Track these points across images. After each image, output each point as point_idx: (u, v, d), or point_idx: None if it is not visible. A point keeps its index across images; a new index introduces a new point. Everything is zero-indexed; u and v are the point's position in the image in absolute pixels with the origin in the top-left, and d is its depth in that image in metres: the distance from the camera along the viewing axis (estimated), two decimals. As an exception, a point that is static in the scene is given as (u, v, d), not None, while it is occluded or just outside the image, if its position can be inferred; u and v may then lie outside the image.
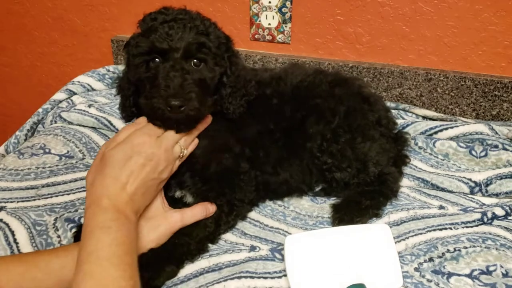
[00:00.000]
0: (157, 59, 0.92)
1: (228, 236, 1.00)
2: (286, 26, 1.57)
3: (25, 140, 1.41)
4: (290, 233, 1.01)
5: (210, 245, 0.96)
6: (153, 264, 0.87)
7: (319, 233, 0.92)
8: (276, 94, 1.11)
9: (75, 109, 1.44)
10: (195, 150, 0.99)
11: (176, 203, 1.06)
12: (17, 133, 1.42)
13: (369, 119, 1.12)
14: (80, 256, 0.73)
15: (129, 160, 0.85)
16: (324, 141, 1.07)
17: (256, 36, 1.61)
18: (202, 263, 0.92)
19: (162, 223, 0.91)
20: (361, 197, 1.06)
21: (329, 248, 0.89)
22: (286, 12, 1.54)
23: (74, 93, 1.54)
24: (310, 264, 0.87)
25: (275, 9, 1.55)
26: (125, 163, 0.85)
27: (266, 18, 1.57)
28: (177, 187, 1.02)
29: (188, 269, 0.91)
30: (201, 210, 0.96)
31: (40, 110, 1.48)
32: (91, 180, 0.85)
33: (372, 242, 0.89)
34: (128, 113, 1.02)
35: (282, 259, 0.92)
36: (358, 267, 0.86)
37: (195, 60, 0.92)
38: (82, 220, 1.01)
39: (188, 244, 0.91)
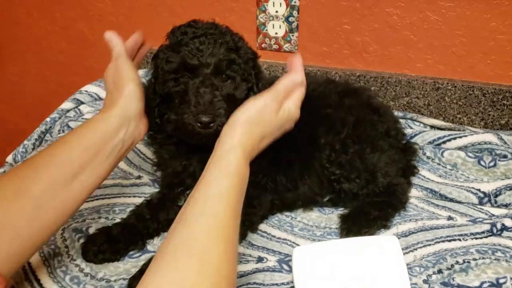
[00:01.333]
0: (187, 74, 0.93)
1: (236, 247, 1.00)
2: (293, 35, 1.57)
3: (33, 149, 1.41)
4: (297, 244, 1.01)
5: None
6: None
7: (327, 245, 0.92)
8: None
9: (82, 118, 1.44)
10: None
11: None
12: (25, 142, 1.43)
13: (378, 130, 1.12)
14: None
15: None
16: (333, 151, 1.07)
17: (263, 45, 1.61)
18: (209, 274, 0.91)
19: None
20: (369, 208, 1.05)
21: (337, 259, 0.88)
22: (293, 22, 1.54)
23: (82, 103, 1.55)
24: (318, 276, 0.86)
25: (282, 19, 1.55)
26: None
27: (273, 27, 1.57)
28: None
29: (195, 280, 0.90)
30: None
31: (48, 119, 1.48)
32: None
33: (380, 254, 0.89)
34: (152, 124, 1.02)
35: (290, 271, 0.92)
36: (366, 279, 0.86)
37: (223, 76, 0.94)
38: (90, 231, 1.01)
39: None
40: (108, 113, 0.86)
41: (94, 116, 0.88)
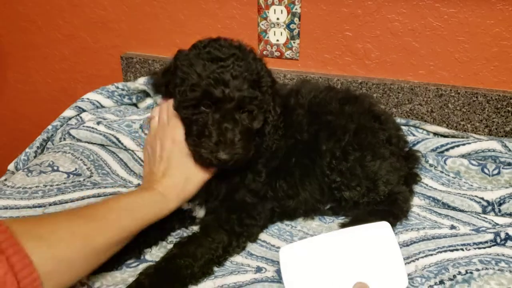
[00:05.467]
0: (208, 104, 0.93)
1: (234, 257, 0.98)
2: (294, 42, 1.56)
3: (35, 157, 1.41)
4: (297, 254, 0.99)
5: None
6: (157, 286, 0.85)
7: (315, 240, 0.86)
8: (299, 106, 1.11)
9: (83, 126, 1.44)
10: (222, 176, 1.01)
11: (180, 214, 1.06)
12: (27, 150, 1.43)
13: (379, 138, 1.10)
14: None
15: None
16: (333, 158, 1.06)
17: (264, 52, 1.60)
18: (207, 284, 0.90)
19: None
20: (370, 217, 1.03)
21: (328, 253, 0.83)
22: (295, 29, 1.54)
23: (84, 110, 1.55)
24: (310, 273, 0.81)
25: (283, 26, 1.54)
26: None
27: (274, 34, 1.57)
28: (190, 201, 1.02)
29: (193, 290, 0.89)
30: None
31: (49, 127, 1.48)
32: None
33: (372, 242, 0.84)
34: None
35: (289, 281, 0.90)
36: (360, 270, 0.81)
37: (243, 110, 0.94)
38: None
39: (192, 266, 0.90)
40: (167, 199, 0.94)
41: (146, 192, 0.94)
